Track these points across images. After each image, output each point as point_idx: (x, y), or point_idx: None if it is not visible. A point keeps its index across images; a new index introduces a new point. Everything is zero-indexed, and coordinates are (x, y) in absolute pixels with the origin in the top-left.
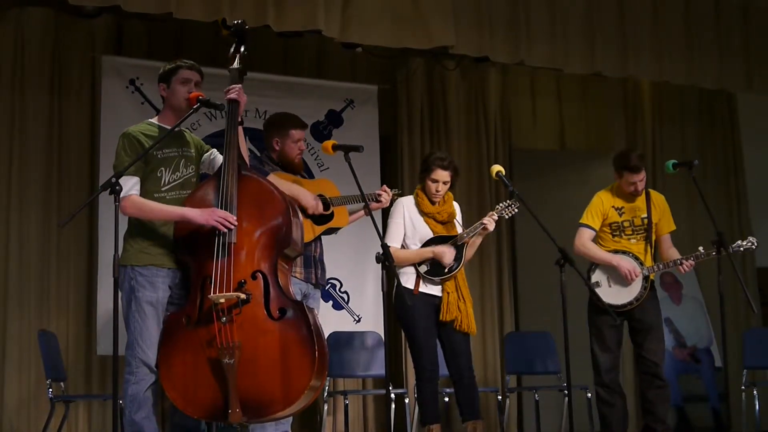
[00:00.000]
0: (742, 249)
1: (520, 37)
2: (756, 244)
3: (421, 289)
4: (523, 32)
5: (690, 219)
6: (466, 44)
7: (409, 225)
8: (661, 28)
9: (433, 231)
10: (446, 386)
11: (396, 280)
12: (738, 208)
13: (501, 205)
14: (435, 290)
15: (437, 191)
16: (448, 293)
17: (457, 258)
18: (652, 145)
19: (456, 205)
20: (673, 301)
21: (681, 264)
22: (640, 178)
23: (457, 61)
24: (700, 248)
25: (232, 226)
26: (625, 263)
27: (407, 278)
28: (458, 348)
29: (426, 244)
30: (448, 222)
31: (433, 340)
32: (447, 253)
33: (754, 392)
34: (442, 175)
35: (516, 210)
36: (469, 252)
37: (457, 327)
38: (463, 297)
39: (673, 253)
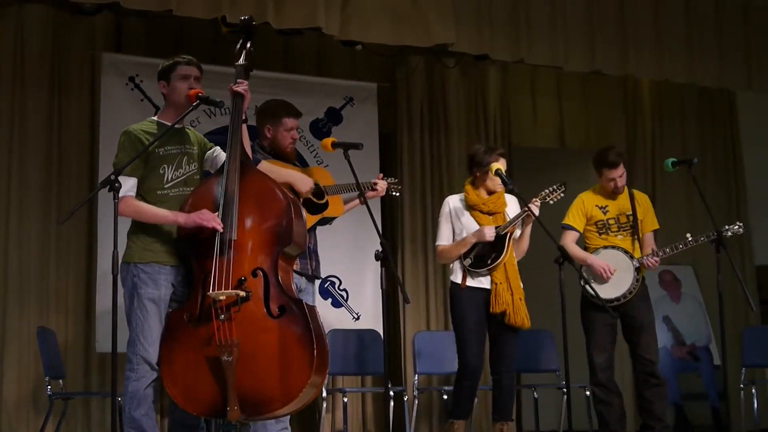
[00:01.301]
0: (730, 233)
1: (520, 35)
2: (743, 228)
3: (470, 283)
4: (523, 30)
5: (689, 217)
6: (466, 42)
7: (455, 221)
8: (661, 26)
9: (479, 223)
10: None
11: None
12: (737, 206)
13: (546, 190)
14: (485, 283)
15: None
16: (497, 284)
17: (499, 248)
18: (651, 143)
19: (513, 198)
20: (672, 300)
21: (674, 251)
22: (619, 174)
23: (457, 59)
24: (688, 235)
25: (212, 226)
26: (598, 261)
27: (455, 274)
28: (505, 347)
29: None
30: (497, 213)
31: (482, 335)
32: (486, 230)
33: (753, 390)
34: (504, 164)
35: (562, 195)
36: (522, 243)
37: (507, 321)
38: (512, 288)
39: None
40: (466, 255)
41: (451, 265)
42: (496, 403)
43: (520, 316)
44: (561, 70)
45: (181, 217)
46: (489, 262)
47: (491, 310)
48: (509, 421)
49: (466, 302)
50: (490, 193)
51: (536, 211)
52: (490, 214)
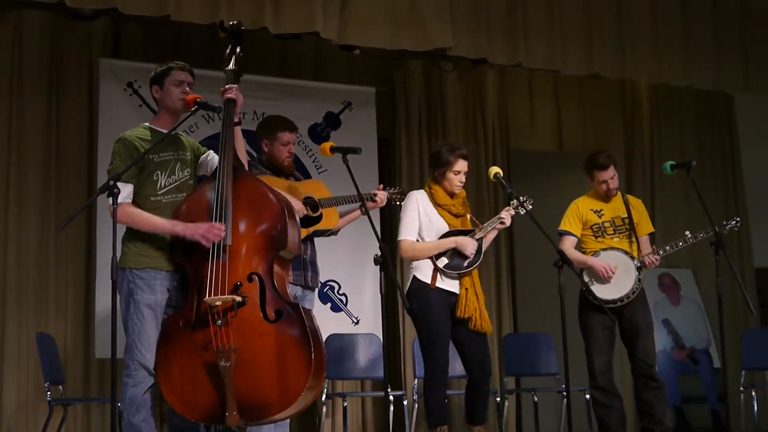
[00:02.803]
0: (727, 229)
1: (517, 39)
2: (740, 223)
3: (440, 285)
4: (520, 34)
5: (688, 220)
6: (464, 46)
7: (424, 217)
8: (658, 29)
9: (448, 224)
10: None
11: (411, 276)
12: (736, 208)
13: (515, 201)
14: (452, 286)
15: (461, 182)
16: (466, 289)
17: (477, 252)
18: (650, 146)
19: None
20: (672, 303)
21: (674, 249)
22: (610, 176)
23: (454, 63)
24: (687, 233)
25: (217, 238)
26: (598, 262)
27: (423, 273)
28: (479, 351)
29: (443, 237)
30: (462, 216)
31: (448, 339)
32: (469, 243)
33: (753, 393)
34: (463, 165)
35: (530, 207)
36: (483, 247)
37: (472, 326)
38: (477, 293)
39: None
40: (439, 255)
41: (414, 262)
42: (473, 409)
43: (485, 321)
44: (559, 73)
45: (179, 227)
46: (466, 265)
47: (459, 314)
48: (484, 424)
49: (435, 304)
50: (450, 194)
51: (509, 220)
52: (457, 216)
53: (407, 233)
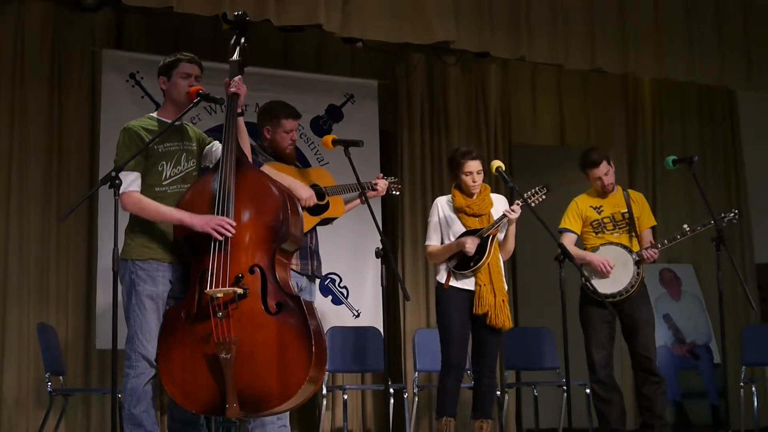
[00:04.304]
0: (725, 221)
1: (520, 33)
2: (738, 215)
3: (455, 284)
4: (523, 28)
5: (689, 215)
6: (467, 39)
7: (444, 223)
8: (661, 24)
9: (465, 226)
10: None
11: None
12: (738, 204)
13: (528, 192)
14: (468, 284)
15: (474, 182)
16: (480, 286)
17: (481, 251)
18: (652, 141)
19: (500, 198)
20: (673, 298)
21: (672, 242)
22: (603, 172)
23: (457, 57)
24: (685, 226)
25: (229, 233)
26: (596, 257)
27: (440, 275)
28: (486, 347)
29: (458, 238)
30: (483, 215)
31: (466, 334)
32: (468, 242)
33: (753, 389)
34: (474, 165)
35: (543, 197)
36: (507, 244)
37: (488, 322)
38: (495, 290)
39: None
40: (451, 257)
41: (437, 266)
42: (476, 402)
43: (501, 317)
44: (561, 67)
45: (188, 218)
46: (472, 264)
47: (474, 311)
48: (489, 419)
49: (450, 302)
50: (469, 194)
51: (515, 215)
52: (476, 216)
53: (429, 239)
